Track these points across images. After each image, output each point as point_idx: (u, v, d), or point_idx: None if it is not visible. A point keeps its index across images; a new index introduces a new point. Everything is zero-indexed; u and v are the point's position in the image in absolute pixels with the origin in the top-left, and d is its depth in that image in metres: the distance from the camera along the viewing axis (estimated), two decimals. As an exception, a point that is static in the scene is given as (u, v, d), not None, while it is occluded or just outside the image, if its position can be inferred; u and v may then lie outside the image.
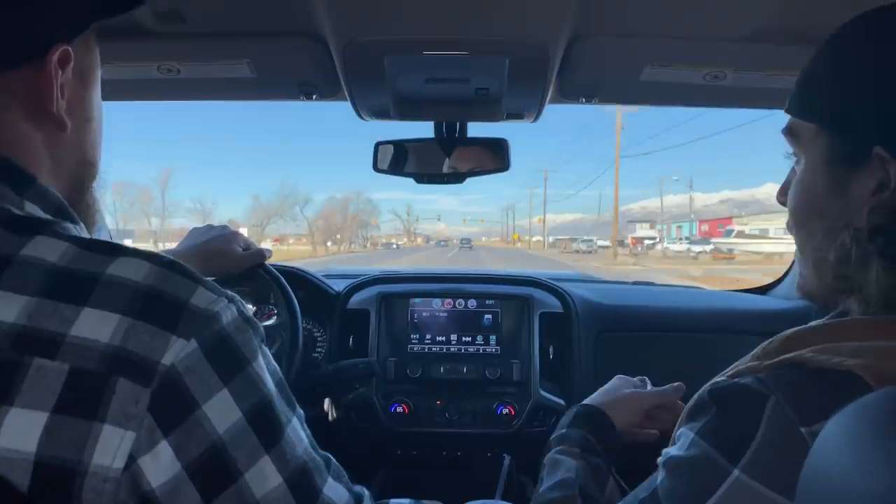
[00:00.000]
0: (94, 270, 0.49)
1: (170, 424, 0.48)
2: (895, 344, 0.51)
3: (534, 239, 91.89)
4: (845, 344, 0.52)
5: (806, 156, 0.62)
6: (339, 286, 1.69)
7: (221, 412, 0.50)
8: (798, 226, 0.65)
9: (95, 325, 0.47)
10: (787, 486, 0.47)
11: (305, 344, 1.47)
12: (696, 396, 0.60)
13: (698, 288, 2.10)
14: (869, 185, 0.55)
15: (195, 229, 1.25)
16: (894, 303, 0.55)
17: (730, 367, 0.61)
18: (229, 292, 0.55)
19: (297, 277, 1.62)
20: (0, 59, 0.56)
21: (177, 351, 0.48)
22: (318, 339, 1.63)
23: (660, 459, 0.61)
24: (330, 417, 1.59)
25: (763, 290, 1.98)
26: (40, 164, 0.59)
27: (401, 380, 1.56)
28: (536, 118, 1.39)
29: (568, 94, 1.30)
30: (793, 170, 0.67)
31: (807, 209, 0.63)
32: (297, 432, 0.57)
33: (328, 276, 1.81)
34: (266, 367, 0.55)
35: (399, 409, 1.54)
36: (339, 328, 1.62)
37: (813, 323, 0.59)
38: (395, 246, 79.01)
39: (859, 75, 0.57)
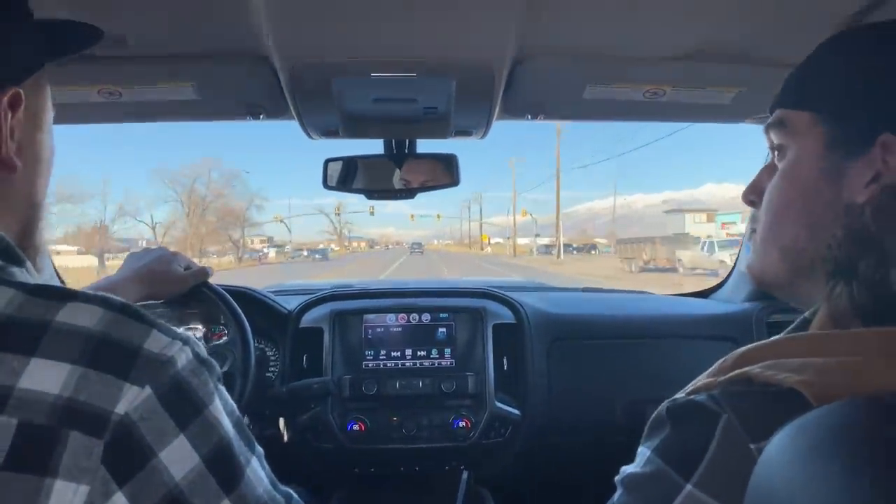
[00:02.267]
0: (42, 318, 0.48)
1: (125, 475, 0.47)
2: (837, 360, 0.52)
3: (520, 241, 66.15)
4: (793, 360, 0.53)
5: (797, 147, 0.62)
6: (290, 304, 1.68)
7: (179, 459, 0.49)
8: (774, 219, 0.64)
9: (45, 377, 0.45)
10: (738, 502, 0.49)
11: (259, 364, 1.45)
12: (654, 414, 0.61)
13: (646, 293, 2.15)
14: (865, 175, 0.56)
15: (132, 254, 1.23)
16: (871, 305, 0.55)
17: (689, 384, 0.63)
18: (183, 333, 0.54)
19: (245, 297, 1.59)
20: None
21: (130, 399, 0.47)
22: (272, 358, 1.60)
23: (617, 478, 0.63)
24: (285, 438, 1.57)
25: (705, 294, 2.06)
26: None
27: (356, 397, 1.55)
28: (484, 135, 1.41)
29: (514, 111, 1.32)
30: (765, 169, 0.68)
31: (790, 202, 0.62)
32: (257, 472, 0.57)
33: (278, 293, 1.79)
34: (223, 408, 0.55)
35: (355, 427, 1.53)
36: (292, 347, 1.60)
37: (773, 338, 0.60)
38: (317, 256, 53.29)
39: (865, 65, 0.59)
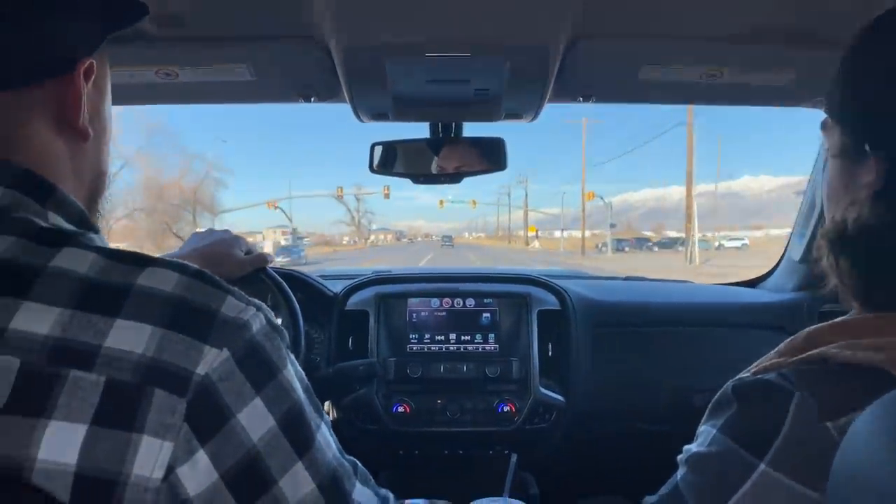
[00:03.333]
0: (125, 281, 0.49)
1: (206, 434, 0.48)
2: None
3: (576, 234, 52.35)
4: (869, 339, 0.53)
5: (829, 149, 0.65)
6: (336, 287, 1.69)
7: (255, 421, 0.51)
8: (826, 198, 0.67)
9: (129, 337, 0.47)
10: (815, 479, 0.49)
11: (305, 346, 1.47)
12: (718, 393, 0.61)
13: (689, 282, 2.12)
14: (867, 180, 0.57)
15: (196, 233, 1.25)
16: (872, 299, 0.58)
17: (753, 364, 0.62)
18: (256, 300, 0.55)
19: (294, 280, 1.61)
20: (31, 73, 0.56)
21: (210, 361, 0.49)
22: (317, 341, 1.62)
23: (680, 457, 0.63)
24: (331, 419, 1.58)
25: (752, 283, 2.02)
26: (64, 176, 0.60)
27: (401, 380, 1.56)
28: (535, 117, 1.40)
29: (566, 93, 1.31)
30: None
31: (826, 199, 0.66)
32: (326, 438, 0.58)
33: (324, 277, 1.81)
34: (294, 373, 0.56)
35: (400, 410, 1.54)
36: (338, 330, 1.61)
37: (835, 320, 0.60)
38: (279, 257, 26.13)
39: (865, 75, 0.59)
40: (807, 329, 0.60)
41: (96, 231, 0.58)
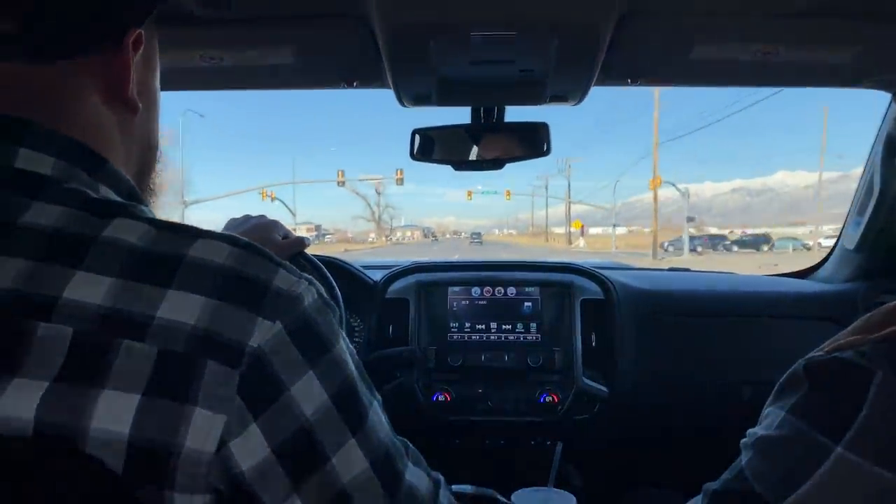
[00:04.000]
0: (176, 252, 0.49)
1: (259, 407, 0.47)
2: None
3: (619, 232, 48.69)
4: None
5: None
6: (376, 276, 1.69)
7: (308, 394, 0.49)
8: None
9: (181, 307, 0.46)
10: None
11: (346, 333, 1.46)
12: (786, 374, 0.58)
13: (733, 273, 2.06)
14: None
15: (232, 219, 1.25)
16: None
17: (827, 342, 0.59)
18: (307, 275, 0.54)
19: (335, 267, 1.61)
20: (82, 44, 0.56)
21: (263, 332, 0.47)
22: (356, 328, 1.62)
23: (744, 441, 0.60)
24: None
25: (802, 274, 1.95)
26: (113, 148, 0.59)
27: (441, 368, 1.55)
28: (580, 101, 1.37)
29: (615, 75, 1.27)
30: None
31: None
32: (379, 416, 0.56)
33: (365, 267, 1.81)
34: (347, 349, 0.55)
35: (441, 398, 1.53)
36: (379, 317, 1.61)
37: None
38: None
39: None
40: (884, 307, 0.57)
41: (146, 205, 0.58)
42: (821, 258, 1.88)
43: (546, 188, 71.97)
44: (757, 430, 0.58)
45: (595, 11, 1.01)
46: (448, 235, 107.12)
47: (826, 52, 1.16)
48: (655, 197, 33.03)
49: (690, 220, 36.77)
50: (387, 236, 77.86)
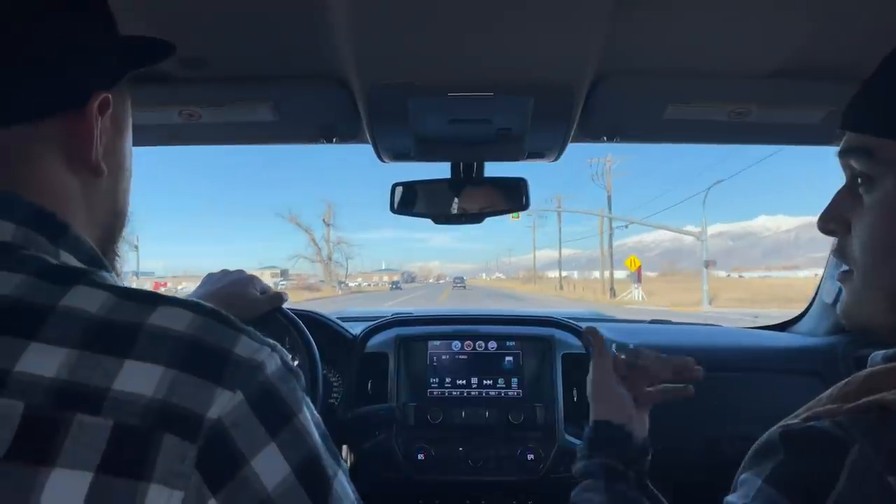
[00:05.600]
0: (135, 320, 0.47)
1: (218, 482, 0.45)
2: None
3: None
4: None
5: (892, 178, 0.56)
6: (354, 329, 1.66)
7: (270, 468, 0.47)
8: (877, 261, 0.58)
9: (139, 378, 0.44)
10: None
11: (322, 389, 1.43)
12: (762, 439, 0.56)
13: (717, 326, 2.06)
14: None
15: (210, 275, 1.24)
16: None
17: (802, 409, 0.58)
18: (271, 341, 0.53)
19: (312, 321, 1.59)
20: (43, 106, 0.55)
21: (223, 404, 0.46)
22: (335, 384, 1.59)
23: None
24: (348, 466, 1.54)
25: (782, 326, 1.96)
26: (75, 213, 0.58)
27: (421, 425, 1.52)
28: (558, 157, 1.38)
29: (591, 133, 1.29)
30: (844, 194, 0.61)
31: (886, 251, 0.57)
32: (344, 486, 0.54)
33: (343, 319, 1.78)
34: (311, 418, 0.53)
35: (420, 457, 1.49)
36: (357, 373, 1.58)
37: (889, 364, 0.55)
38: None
39: None
40: (864, 372, 0.55)
41: (108, 270, 0.56)
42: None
43: (559, 212, 59.82)
44: (732, 499, 0.56)
45: (570, 73, 1.03)
46: (432, 280, 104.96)
47: (797, 112, 1.19)
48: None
49: (711, 263, 31.78)
50: (341, 282, 58.85)
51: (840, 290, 0.64)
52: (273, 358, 0.51)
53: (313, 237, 57.53)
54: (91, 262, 0.56)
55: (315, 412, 0.55)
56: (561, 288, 55.81)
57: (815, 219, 0.65)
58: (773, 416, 0.58)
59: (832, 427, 0.50)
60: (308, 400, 0.54)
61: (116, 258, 0.66)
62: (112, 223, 0.64)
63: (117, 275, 0.62)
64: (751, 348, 1.69)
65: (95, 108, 0.57)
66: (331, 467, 0.52)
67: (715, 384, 1.59)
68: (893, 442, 0.48)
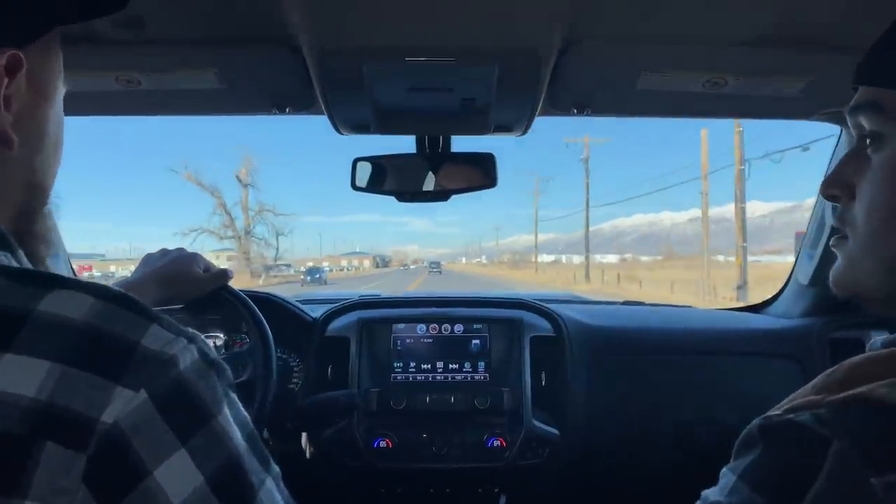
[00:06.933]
0: (22, 307, 0.40)
1: (111, 497, 0.38)
2: None
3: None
4: None
5: (884, 162, 0.52)
6: (315, 312, 1.59)
7: (178, 478, 0.41)
8: (879, 224, 0.53)
9: (19, 376, 0.38)
10: None
11: (281, 375, 1.36)
12: (745, 430, 0.51)
13: (691, 307, 2.03)
14: None
15: (149, 255, 1.18)
16: None
17: (785, 400, 0.53)
18: (190, 331, 0.46)
19: (268, 303, 1.51)
20: None
21: (121, 405, 0.39)
22: (294, 369, 1.52)
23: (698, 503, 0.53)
24: (307, 454, 1.48)
25: (757, 308, 1.92)
26: None
27: (384, 412, 1.45)
28: (525, 131, 1.32)
29: (559, 105, 1.23)
30: (851, 158, 0.57)
31: (884, 221, 0.52)
32: (272, 496, 0.47)
33: (304, 302, 1.71)
34: (234, 419, 0.46)
35: (382, 444, 1.43)
36: (317, 357, 1.51)
37: (881, 351, 0.50)
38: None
39: None
40: (849, 361, 0.50)
41: (10, 249, 0.49)
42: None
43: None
44: (709, 493, 0.52)
45: (535, 38, 0.97)
46: (409, 264, 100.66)
47: (775, 83, 1.14)
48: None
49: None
50: (269, 267, 42.72)
51: (815, 270, 0.59)
52: (189, 350, 0.44)
53: (223, 203, 38.64)
54: None
55: (241, 411, 0.48)
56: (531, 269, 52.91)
57: (789, 204, 0.61)
58: (747, 400, 0.53)
59: (812, 421, 0.46)
60: (233, 398, 0.47)
61: (36, 238, 0.57)
62: (29, 199, 0.56)
63: (37, 256, 0.54)
64: (724, 330, 1.65)
65: (2, 69, 0.49)
66: (256, 474, 0.46)
67: (688, 367, 1.57)
68: (877, 440, 0.43)
